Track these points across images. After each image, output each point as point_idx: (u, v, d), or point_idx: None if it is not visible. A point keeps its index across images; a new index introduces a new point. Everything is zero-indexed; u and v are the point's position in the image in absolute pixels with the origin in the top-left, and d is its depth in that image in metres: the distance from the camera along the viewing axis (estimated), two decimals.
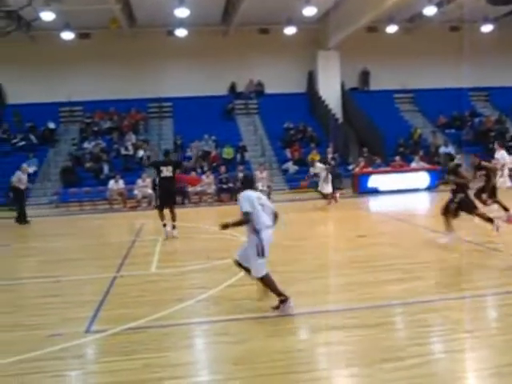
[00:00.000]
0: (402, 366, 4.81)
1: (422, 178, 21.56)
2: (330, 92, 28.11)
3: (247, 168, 22.98)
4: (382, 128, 24.89)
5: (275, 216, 6.47)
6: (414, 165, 22.28)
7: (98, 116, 26.74)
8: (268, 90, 28.65)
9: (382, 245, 10.22)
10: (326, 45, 27.55)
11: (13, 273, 9.63)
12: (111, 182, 20.91)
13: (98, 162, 23.41)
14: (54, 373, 5.04)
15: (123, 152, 24.18)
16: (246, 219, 6.25)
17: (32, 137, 25.42)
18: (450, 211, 9.74)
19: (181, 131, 25.78)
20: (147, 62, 26.93)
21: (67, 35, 24.65)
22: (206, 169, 22.73)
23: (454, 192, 9.77)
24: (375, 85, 28.86)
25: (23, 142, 25.13)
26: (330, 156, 20.67)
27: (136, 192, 20.50)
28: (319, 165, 17.70)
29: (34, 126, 25.94)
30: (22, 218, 16.49)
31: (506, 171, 14.77)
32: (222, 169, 22.28)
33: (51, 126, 26.18)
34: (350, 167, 23.13)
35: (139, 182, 20.71)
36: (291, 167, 24.07)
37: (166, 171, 11.95)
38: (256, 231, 6.27)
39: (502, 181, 13.93)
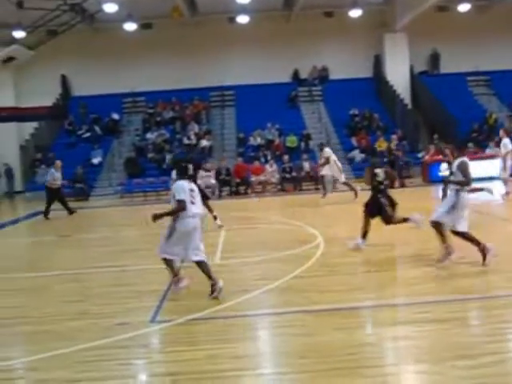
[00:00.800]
0: (476, 364, 4.66)
1: (498, 166, 20.74)
2: (398, 76, 27.48)
3: (311, 157, 22.86)
4: (453, 113, 24.13)
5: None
6: (489, 151, 21.48)
7: (160, 106, 27.29)
8: (332, 76, 28.33)
9: (454, 236, 9.93)
10: (392, 27, 26.93)
11: (81, 262, 9.99)
12: (174, 173, 21.28)
13: (161, 153, 23.91)
14: (119, 361, 5.20)
15: (186, 142, 24.59)
16: (181, 207, 6.80)
17: (96, 128, 26.27)
18: None
19: (243, 120, 25.93)
20: (209, 51, 27.17)
21: (129, 26, 25.21)
22: (269, 158, 22.78)
23: None
24: (446, 68, 27.95)
25: (88, 134, 26.02)
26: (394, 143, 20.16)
27: (199, 182, 20.68)
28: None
29: (99, 117, 26.79)
30: (45, 214, 16.27)
31: (510, 161, 14.22)
32: (286, 158, 22.25)
33: (115, 116, 26.94)
34: (420, 155, 22.57)
35: (201, 172, 20.90)
36: (358, 155, 23.75)
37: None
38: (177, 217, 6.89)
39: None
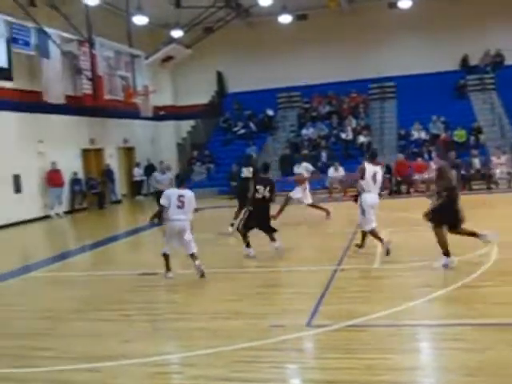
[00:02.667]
0: None
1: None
2: None
3: (481, 152, 21.66)
4: None
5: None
6: None
7: (316, 101, 27.53)
8: (508, 62, 26.54)
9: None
10: None
11: (235, 261, 10.43)
12: (331, 170, 21.40)
13: (317, 149, 24.11)
14: (273, 364, 5.36)
15: (343, 137, 24.55)
16: (160, 211, 9.38)
17: (251, 124, 27.18)
18: None
19: (405, 113, 25.28)
20: (367, 40, 26.84)
21: (284, 18, 25.71)
22: (433, 154, 21.92)
23: None
24: None
25: (243, 130, 27.02)
26: None
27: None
28: None
29: (253, 114, 27.69)
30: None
31: None
32: (453, 154, 21.28)
33: (270, 112, 27.66)
34: None
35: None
36: None
37: (263, 191, 10.58)
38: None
39: None
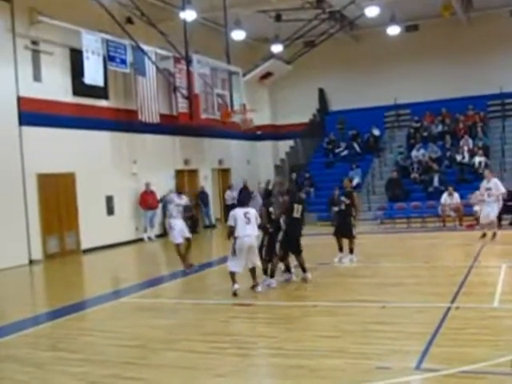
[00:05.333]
0: None
1: None
2: None
3: None
4: None
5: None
6: None
7: (427, 119, 27.00)
8: None
9: None
10: None
11: (337, 294, 10.36)
12: (444, 196, 20.78)
13: (428, 173, 23.58)
14: None
15: (458, 159, 23.88)
16: (229, 231, 10.52)
17: (355, 145, 27.03)
18: None
19: None
20: (486, 52, 26.09)
21: (393, 30, 25.40)
22: None
23: None
24: None
25: (346, 152, 26.91)
26: None
27: (476, 208, 19.84)
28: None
29: (358, 134, 27.53)
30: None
31: None
32: None
33: (376, 132, 27.40)
34: None
35: (477, 193, 19.96)
36: None
37: (297, 212, 11.42)
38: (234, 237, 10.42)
39: None
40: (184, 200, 14.26)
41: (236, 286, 10.43)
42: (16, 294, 12.72)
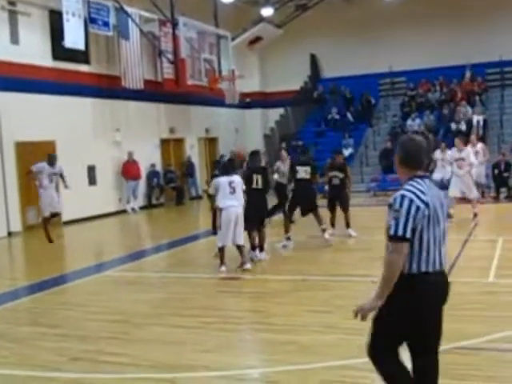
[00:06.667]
0: None
1: None
2: None
3: None
4: None
5: None
6: None
7: (423, 87, 26.93)
8: None
9: None
10: None
11: (330, 268, 10.43)
12: (437, 152, 20.57)
13: None
14: None
15: (453, 128, 23.86)
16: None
17: (348, 114, 26.97)
18: None
19: None
20: (486, 18, 25.90)
21: None
22: None
23: None
24: None
25: (339, 121, 26.84)
26: None
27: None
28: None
29: (350, 102, 27.43)
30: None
31: None
32: None
33: (370, 101, 27.30)
34: None
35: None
36: None
37: (303, 173, 12.35)
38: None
39: None
40: (57, 168, 14.32)
41: (223, 268, 10.10)
42: None
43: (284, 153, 15.62)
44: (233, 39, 23.12)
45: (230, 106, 25.21)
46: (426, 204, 3.90)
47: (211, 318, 7.68)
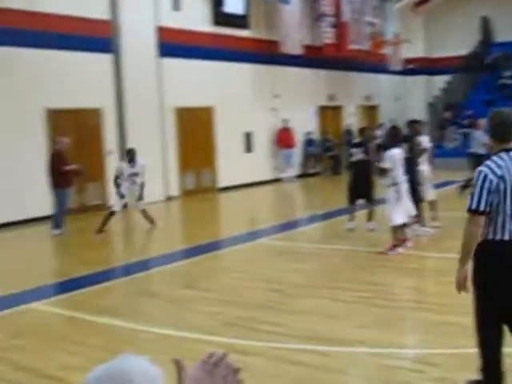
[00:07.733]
0: None
1: None
2: None
3: None
4: None
5: None
6: None
7: None
8: None
9: None
10: None
11: None
12: None
13: None
14: None
15: None
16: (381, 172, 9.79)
17: None
18: None
19: None
20: None
21: None
22: None
23: None
24: None
25: (510, 89, 25.46)
26: None
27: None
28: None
29: None
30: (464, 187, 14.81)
31: None
32: None
33: None
34: None
35: None
36: None
37: (358, 153, 11.60)
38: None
39: None
40: (138, 167, 12.71)
41: (403, 248, 9.46)
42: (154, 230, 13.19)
43: (482, 120, 14.86)
44: (397, 1, 22.49)
45: (392, 72, 24.64)
46: (501, 177, 4.02)
47: (367, 292, 7.60)
